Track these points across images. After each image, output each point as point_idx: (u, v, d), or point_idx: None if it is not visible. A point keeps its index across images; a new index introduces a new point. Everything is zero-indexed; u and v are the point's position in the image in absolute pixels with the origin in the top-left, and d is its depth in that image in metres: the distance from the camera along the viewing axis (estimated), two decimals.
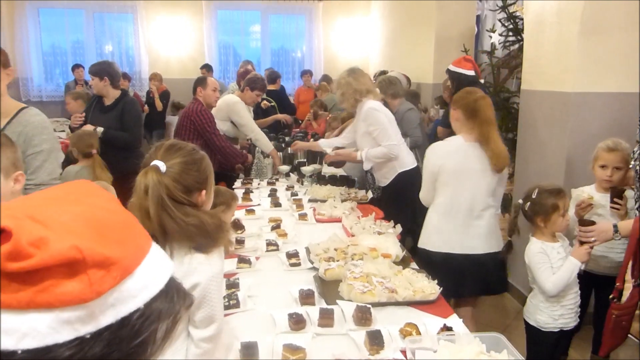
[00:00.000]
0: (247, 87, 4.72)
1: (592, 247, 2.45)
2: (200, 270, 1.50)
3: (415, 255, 2.86)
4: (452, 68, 4.35)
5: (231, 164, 4.49)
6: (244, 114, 4.59)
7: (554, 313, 2.51)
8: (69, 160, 3.67)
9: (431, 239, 2.86)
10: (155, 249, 0.63)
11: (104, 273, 0.53)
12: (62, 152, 2.71)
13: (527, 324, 2.63)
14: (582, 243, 2.44)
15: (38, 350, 0.49)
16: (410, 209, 3.61)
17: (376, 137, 3.61)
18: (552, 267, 2.47)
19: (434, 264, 2.73)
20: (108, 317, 0.53)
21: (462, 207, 2.77)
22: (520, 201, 2.59)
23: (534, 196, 2.49)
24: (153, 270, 0.60)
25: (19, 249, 0.49)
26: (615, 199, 2.69)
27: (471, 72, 4.22)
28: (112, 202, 0.62)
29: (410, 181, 3.61)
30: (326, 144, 4.21)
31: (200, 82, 4.37)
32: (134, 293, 0.56)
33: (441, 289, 2.22)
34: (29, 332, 0.49)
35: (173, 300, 0.61)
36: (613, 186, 2.74)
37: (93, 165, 3.61)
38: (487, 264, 2.80)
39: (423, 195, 2.97)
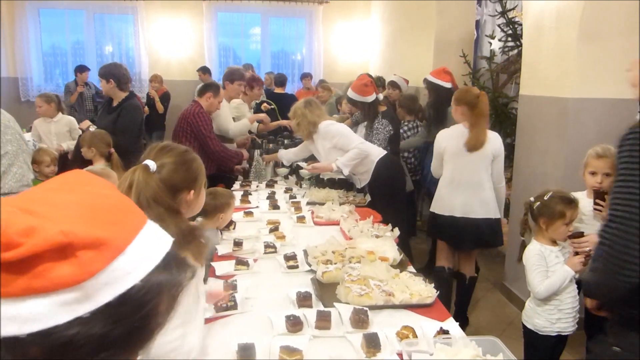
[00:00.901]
0: (227, 82, 4.85)
1: (587, 257, 2.45)
2: None
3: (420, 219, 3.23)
4: (430, 78, 4.51)
5: (228, 167, 4.51)
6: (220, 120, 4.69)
7: (551, 317, 2.52)
8: (83, 160, 3.67)
9: (438, 204, 3.60)
10: (150, 225, 0.64)
11: (95, 254, 0.55)
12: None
13: (525, 327, 2.65)
14: (576, 253, 2.46)
15: (41, 332, 0.52)
16: (401, 188, 3.96)
17: (342, 146, 3.82)
18: (547, 271, 2.49)
19: (440, 225, 3.58)
20: (105, 295, 0.55)
21: (462, 180, 3.46)
22: (532, 199, 2.62)
23: (545, 198, 2.53)
24: (148, 245, 0.61)
25: (8, 239, 0.51)
26: (597, 200, 2.71)
27: (448, 85, 4.38)
28: (107, 188, 0.64)
29: (390, 166, 3.89)
30: (284, 155, 4.44)
31: (214, 90, 4.39)
32: (129, 270, 0.57)
33: (438, 292, 2.23)
34: (30, 317, 0.52)
35: (173, 272, 0.62)
36: (597, 189, 2.76)
37: (113, 165, 3.55)
38: (482, 225, 3.47)
39: (433, 168, 3.71)
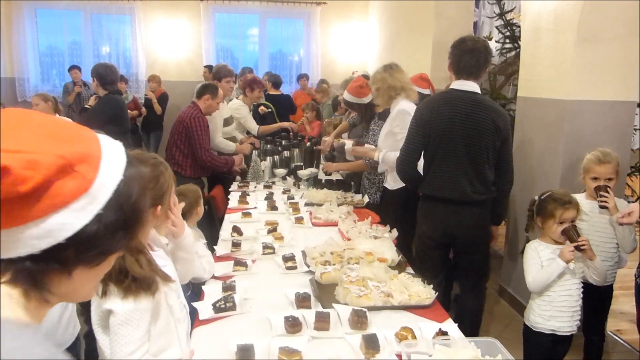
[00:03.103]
0: (215, 81, 4.83)
1: (578, 249, 2.48)
2: (117, 300, 1.46)
3: (412, 261, 3.01)
4: None
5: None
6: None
7: (544, 313, 2.55)
8: None
9: None
10: (98, 133, 0.78)
11: (87, 165, 0.71)
12: None
13: (524, 324, 2.70)
14: (578, 248, 2.48)
15: (75, 235, 0.70)
16: (411, 219, 3.60)
17: (399, 140, 3.48)
18: (542, 266, 2.53)
19: None
20: (105, 193, 0.73)
21: None
22: (536, 198, 2.66)
23: (542, 197, 2.59)
24: (113, 149, 0.78)
25: (17, 176, 0.64)
26: (601, 193, 2.73)
27: (427, 91, 4.28)
28: (47, 114, 0.77)
29: (417, 196, 3.47)
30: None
31: (212, 91, 4.39)
32: (111, 170, 0.74)
33: (437, 293, 2.23)
34: (61, 227, 0.69)
35: (135, 165, 0.80)
36: (596, 185, 2.78)
37: None
38: None
39: None
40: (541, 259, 2.55)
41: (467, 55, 2.90)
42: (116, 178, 0.75)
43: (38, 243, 0.68)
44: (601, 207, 2.74)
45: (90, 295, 0.82)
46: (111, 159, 0.75)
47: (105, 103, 4.39)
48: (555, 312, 2.54)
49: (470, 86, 2.93)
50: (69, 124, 0.76)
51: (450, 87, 2.99)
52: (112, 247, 0.77)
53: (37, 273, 0.70)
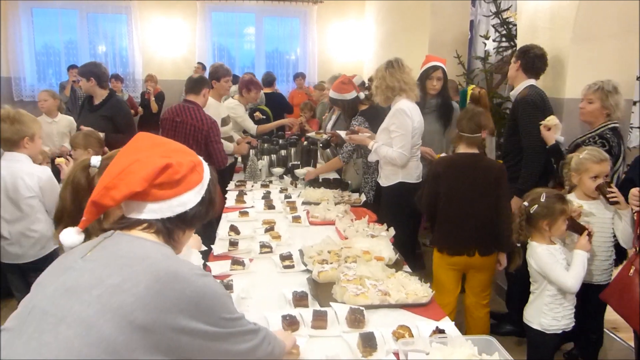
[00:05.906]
0: (214, 80, 4.77)
1: (590, 236, 2.54)
2: None
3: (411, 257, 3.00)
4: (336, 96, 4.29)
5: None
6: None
7: (557, 314, 2.54)
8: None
9: None
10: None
11: (200, 167, 1.30)
12: None
13: (529, 328, 2.63)
14: (581, 233, 2.54)
15: (194, 206, 1.26)
16: (406, 218, 3.59)
17: (393, 139, 3.53)
18: (563, 266, 2.51)
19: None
20: (206, 184, 1.30)
21: None
22: (526, 204, 2.60)
23: (542, 199, 2.53)
24: (203, 159, 1.34)
25: (175, 169, 1.20)
26: (609, 189, 2.71)
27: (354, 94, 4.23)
28: (164, 137, 1.33)
29: (411, 193, 3.49)
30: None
31: (208, 84, 4.38)
32: (206, 171, 1.31)
33: (433, 292, 2.24)
34: (187, 202, 1.24)
35: (211, 169, 1.35)
36: (599, 184, 2.76)
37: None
38: None
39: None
40: (557, 259, 2.51)
41: (538, 60, 3.55)
42: (208, 176, 1.31)
43: (175, 209, 1.22)
44: (612, 203, 2.72)
45: (182, 250, 1.33)
46: (204, 165, 1.32)
47: (126, 105, 4.46)
48: (566, 311, 2.55)
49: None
50: (181, 145, 1.31)
51: (532, 85, 3.55)
52: (205, 217, 1.32)
53: (171, 228, 1.24)
